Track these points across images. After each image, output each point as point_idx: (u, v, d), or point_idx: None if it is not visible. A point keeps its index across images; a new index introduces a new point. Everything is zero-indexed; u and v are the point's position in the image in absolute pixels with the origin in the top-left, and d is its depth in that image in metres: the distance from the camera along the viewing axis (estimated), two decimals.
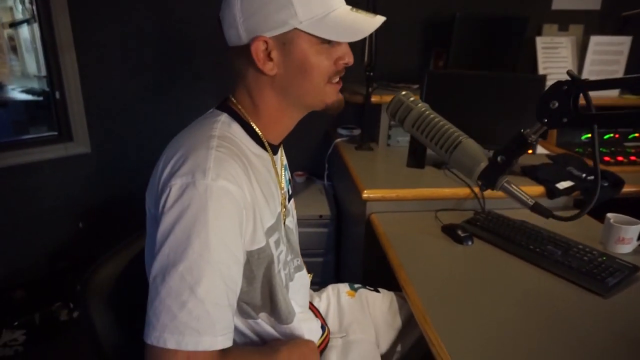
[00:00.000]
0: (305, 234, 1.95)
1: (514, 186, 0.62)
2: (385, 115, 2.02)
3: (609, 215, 1.31)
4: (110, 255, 0.97)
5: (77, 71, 2.14)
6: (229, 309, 0.73)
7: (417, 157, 1.77)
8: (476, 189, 1.54)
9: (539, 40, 2.15)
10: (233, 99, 0.84)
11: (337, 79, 0.82)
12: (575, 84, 0.51)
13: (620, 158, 1.90)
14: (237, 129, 0.82)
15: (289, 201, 0.98)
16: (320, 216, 2.08)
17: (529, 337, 0.93)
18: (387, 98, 1.97)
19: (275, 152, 0.89)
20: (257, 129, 0.83)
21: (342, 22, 0.76)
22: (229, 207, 0.71)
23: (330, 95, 0.82)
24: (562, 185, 1.56)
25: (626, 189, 1.61)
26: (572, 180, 1.60)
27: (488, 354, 0.87)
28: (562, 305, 1.06)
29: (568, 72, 0.52)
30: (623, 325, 0.98)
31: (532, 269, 1.20)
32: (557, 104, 0.53)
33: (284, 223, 0.94)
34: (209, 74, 2.29)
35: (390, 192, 1.54)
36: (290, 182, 1.02)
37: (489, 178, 0.63)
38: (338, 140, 2.17)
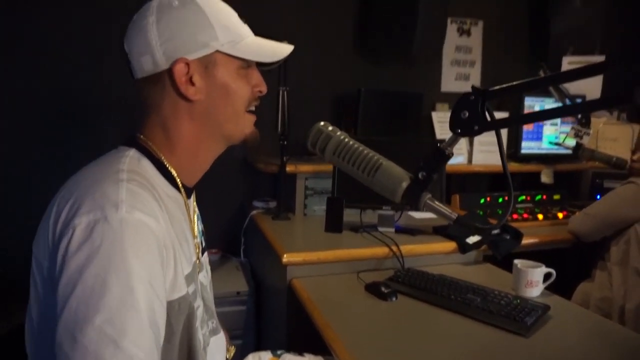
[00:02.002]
0: (222, 314, 1.79)
1: (437, 202, 0.63)
2: (302, 183, 2.07)
3: (515, 261, 1.39)
4: None
5: None
6: None
7: (334, 221, 1.78)
8: (394, 247, 1.57)
9: (434, 115, 2.41)
10: (141, 135, 0.78)
11: (253, 108, 0.82)
12: (480, 93, 0.55)
13: (515, 216, 2.08)
14: (147, 166, 0.75)
15: (202, 254, 0.90)
16: (238, 293, 1.95)
17: None
18: (303, 167, 2.03)
19: (189, 196, 0.83)
20: (170, 168, 0.77)
21: (258, 46, 0.79)
22: (149, 242, 0.63)
23: (248, 124, 0.82)
24: (472, 240, 1.65)
25: (525, 240, 1.74)
26: (479, 234, 1.69)
27: None
28: (488, 349, 1.07)
29: (472, 86, 0.56)
30: None
31: (456, 318, 1.20)
32: (467, 114, 0.57)
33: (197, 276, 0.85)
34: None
35: (310, 255, 1.50)
36: (203, 234, 0.94)
37: (412, 196, 0.63)
38: (254, 212, 2.13)
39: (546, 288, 1.36)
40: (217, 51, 0.74)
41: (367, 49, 2.42)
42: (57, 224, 0.64)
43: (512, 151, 2.42)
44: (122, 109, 1.70)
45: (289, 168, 2.00)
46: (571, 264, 1.91)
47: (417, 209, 0.63)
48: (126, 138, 0.79)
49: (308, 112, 2.35)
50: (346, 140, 0.71)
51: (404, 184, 0.64)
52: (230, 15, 0.78)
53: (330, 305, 1.27)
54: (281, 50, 0.81)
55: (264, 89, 0.82)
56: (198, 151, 0.79)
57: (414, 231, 1.77)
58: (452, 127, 0.59)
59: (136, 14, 0.75)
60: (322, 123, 0.73)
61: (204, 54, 0.74)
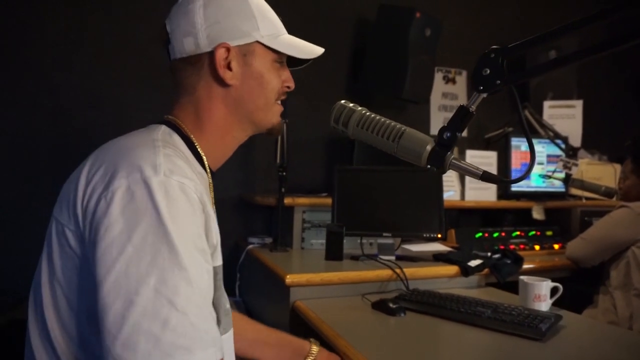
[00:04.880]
0: None
1: (462, 161, 0.65)
2: (299, 216, 2.07)
3: (521, 277, 1.38)
4: None
5: None
6: (212, 317, 0.63)
7: (334, 249, 1.76)
8: (398, 270, 1.55)
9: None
10: (169, 116, 0.80)
11: (280, 101, 0.86)
12: (500, 51, 0.60)
13: (512, 247, 2.09)
14: (178, 141, 0.76)
15: None
16: None
17: None
18: (300, 200, 2.04)
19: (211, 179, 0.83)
20: (198, 147, 0.79)
21: (293, 42, 0.83)
22: (191, 204, 0.64)
23: (276, 115, 0.85)
24: (473, 263, 1.65)
25: (526, 265, 1.74)
26: (480, 259, 1.69)
27: None
28: (505, 355, 1.05)
29: (491, 47, 0.61)
30: None
31: (469, 329, 1.18)
32: (488, 71, 0.61)
33: None
34: None
35: (314, 276, 1.47)
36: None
37: (438, 158, 0.65)
38: (250, 246, 2.09)
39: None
40: (257, 42, 0.78)
41: (359, 92, 2.53)
42: (89, 188, 0.64)
43: (501, 191, 2.48)
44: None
45: (287, 201, 2.00)
46: (572, 291, 1.90)
47: (443, 171, 0.65)
48: (155, 120, 0.81)
49: (304, 152, 2.43)
50: (368, 113, 0.73)
51: (429, 147, 0.66)
52: (271, 11, 0.83)
53: (338, 321, 1.23)
54: (314, 49, 0.86)
55: (292, 85, 0.86)
56: (226, 136, 0.81)
57: (414, 258, 1.76)
58: (475, 85, 0.62)
59: None
60: (343, 101, 0.77)
61: (245, 42, 0.77)
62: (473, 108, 0.63)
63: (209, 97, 0.79)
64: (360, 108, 0.74)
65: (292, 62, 0.86)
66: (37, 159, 1.99)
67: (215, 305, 0.70)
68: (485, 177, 0.63)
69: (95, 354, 0.65)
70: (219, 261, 0.73)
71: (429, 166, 0.66)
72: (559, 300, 1.35)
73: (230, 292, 2.18)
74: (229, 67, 0.77)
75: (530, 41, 0.58)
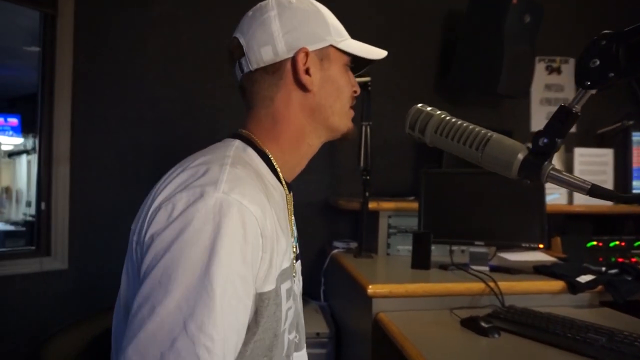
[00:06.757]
0: None
1: (564, 172, 0.54)
2: (384, 221, 1.99)
3: None
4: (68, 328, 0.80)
5: (68, 184, 2.10)
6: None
7: (421, 257, 1.66)
8: (492, 284, 1.41)
9: None
10: (243, 130, 0.80)
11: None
12: (614, 35, 0.48)
13: (633, 260, 1.81)
14: (252, 154, 0.76)
15: (296, 260, 0.86)
16: (318, 334, 1.84)
17: None
18: (385, 204, 1.97)
19: (288, 191, 0.81)
20: (273, 160, 0.78)
21: (359, 45, 0.82)
22: (245, 227, 0.61)
23: (350, 119, 0.84)
24: (584, 279, 1.44)
25: None
26: (592, 274, 1.48)
27: None
28: None
29: (603, 32, 0.49)
30: None
31: (575, 358, 1.01)
32: (598, 62, 0.49)
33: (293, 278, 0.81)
34: None
35: (398, 287, 1.39)
36: (297, 241, 0.90)
37: (532, 168, 0.54)
38: (335, 251, 2.06)
39: None
40: (331, 45, 0.78)
41: (448, 89, 2.38)
42: (157, 199, 0.64)
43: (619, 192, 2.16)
44: None
45: (372, 205, 1.93)
46: None
47: (539, 183, 0.54)
48: (229, 134, 0.81)
49: (390, 154, 2.34)
50: (448, 117, 0.65)
51: (521, 155, 0.56)
52: (334, 17, 0.83)
53: (423, 339, 1.14)
54: (379, 51, 0.85)
55: (358, 89, 0.85)
56: (301, 144, 0.80)
57: (511, 270, 1.59)
58: (579, 81, 0.51)
59: (251, 10, 0.80)
60: (420, 105, 0.69)
61: (322, 46, 0.78)
62: (577, 108, 0.52)
63: (287, 106, 0.78)
64: (439, 112, 0.66)
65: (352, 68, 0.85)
66: (140, 167, 2.16)
67: (260, 334, 0.67)
68: (594, 192, 0.51)
69: None
70: (272, 285, 0.68)
71: (521, 179, 0.56)
72: None
73: (315, 296, 2.20)
74: (307, 73, 0.77)
75: None
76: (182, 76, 2.20)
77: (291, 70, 0.77)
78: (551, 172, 0.54)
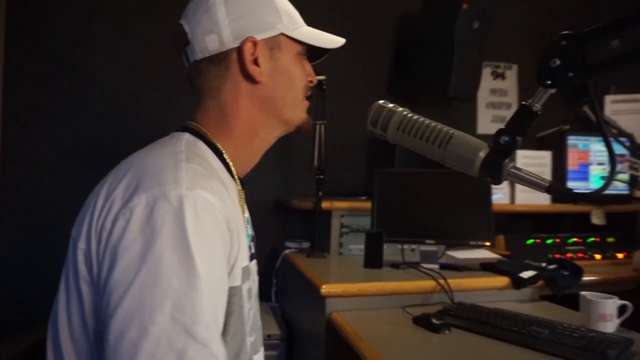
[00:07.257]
0: None
1: (524, 170, 0.55)
2: (337, 220, 1.99)
3: (583, 293, 1.24)
4: None
5: None
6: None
7: (373, 256, 1.67)
8: (442, 281, 1.44)
9: None
10: (193, 122, 0.75)
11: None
12: (575, 36, 0.49)
13: (568, 255, 1.92)
14: (204, 148, 0.72)
15: (250, 260, 0.82)
16: (269, 336, 1.81)
17: None
18: (338, 204, 1.96)
19: (241, 186, 0.78)
20: (225, 154, 0.73)
21: (314, 33, 0.78)
22: (211, 220, 0.58)
23: (304, 111, 0.80)
24: (526, 274, 1.51)
25: (586, 277, 1.58)
26: (533, 270, 1.55)
27: None
28: None
29: (563, 33, 0.50)
30: None
31: (521, 351, 1.06)
32: (558, 62, 0.50)
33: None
34: None
35: (351, 287, 1.39)
36: (253, 240, 0.87)
37: (493, 166, 0.55)
38: (287, 251, 2.04)
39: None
40: (282, 34, 0.74)
41: (402, 89, 2.42)
42: (107, 205, 0.59)
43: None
44: None
45: (325, 204, 1.92)
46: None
47: (498, 181, 0.55)
48: (177, 127, 0.77)
49: (344, 154, 2.34)
50: (409, 114, 0.64)
51: (482, 153, 0.57)
52: (288, 3, 0.79)
53: (377, 337, 1.14)
54: (336, 39, 0.81)
55: (314, 79, 0.81)
56: (254, 137, 0.77)
57: (459, 267, 1.64)
58: (541, 80, 0.52)
59: None
60: (382, 101, 0.68)
61: (271, 35, 0.73)
62: (538, 107, 0.53)
63: (235, 98, 0.74)
64: (401, 109, 0.66)
65: (309, 57, 0.81)
66: (77, 162, 2.03)
67: (230, 337, 0.64)
68: (552, 190, 0.52)
69: None
70: (238, 281, 0.66)
71: (482, 176, 0.56)
72: (627, 320, 1.20)
73: (266, 297, 2.16)
74: (255, 63, 0.72)
75: (615, 24, 0.47)
76: (132, 67, 2.06)
77: (238, 60, 0.72)
78: (511, 170, 0.55)
